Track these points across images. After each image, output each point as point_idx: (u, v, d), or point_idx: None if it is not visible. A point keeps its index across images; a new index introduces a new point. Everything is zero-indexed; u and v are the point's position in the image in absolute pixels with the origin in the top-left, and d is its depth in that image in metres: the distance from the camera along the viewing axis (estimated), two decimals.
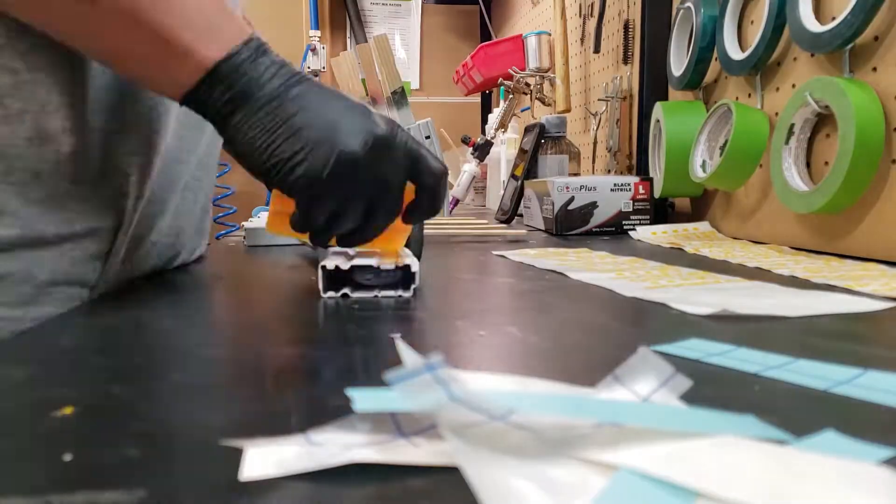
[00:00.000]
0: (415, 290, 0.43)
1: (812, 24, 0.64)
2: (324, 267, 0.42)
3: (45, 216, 0.41)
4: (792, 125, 0.66)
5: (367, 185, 0.40)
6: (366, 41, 1.99)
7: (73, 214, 0.43)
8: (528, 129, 1.16)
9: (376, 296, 0.43)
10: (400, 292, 0.43)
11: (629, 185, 0.89)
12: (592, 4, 1.26)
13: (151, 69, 0.38)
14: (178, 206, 0.54)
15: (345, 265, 0.42)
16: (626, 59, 1.11)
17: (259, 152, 0.38)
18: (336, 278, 0.43)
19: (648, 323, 0.37)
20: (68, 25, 0.37)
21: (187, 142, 0.53)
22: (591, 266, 0.57)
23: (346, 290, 0.43)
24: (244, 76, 0.38)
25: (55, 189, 0.41)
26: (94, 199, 0.44)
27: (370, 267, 0.43)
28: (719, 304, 0.38)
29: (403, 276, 0.43)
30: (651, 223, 0.89)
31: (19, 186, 0.40)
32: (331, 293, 0.42)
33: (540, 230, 0.94)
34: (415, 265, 0.43)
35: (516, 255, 0.66)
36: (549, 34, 1.28)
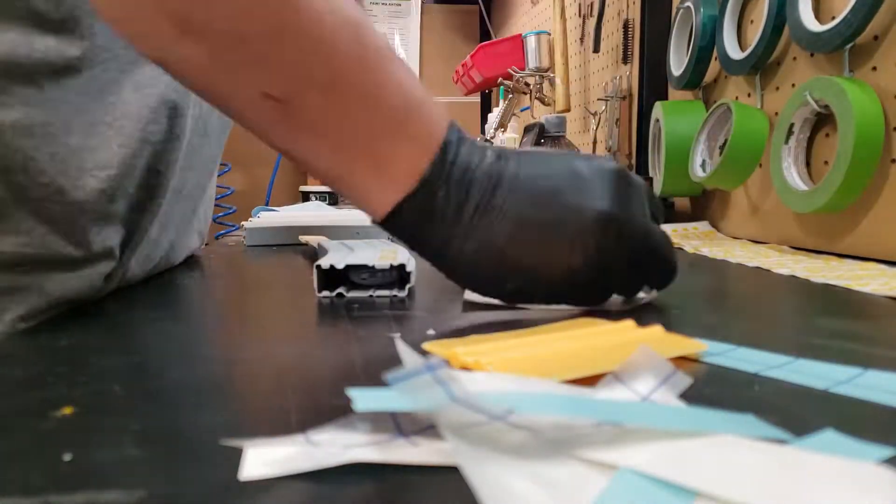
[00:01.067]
0: (410, 289, 0.43)
1: (812, 24, 0.64)
2: (318, 266, 0.42)
3: (62, 236, 0.39)
4: (792, 125, 0.66)
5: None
6: None
7: (89, 235, 0.40)
8: (527, 129, 1.16)
9: (371, 295, 0.43)
10: (395, 292, 0.43)
11: None
12: (592, 4, 1.26)
13: (352, 190, 0.34)
14: (183, 212, 0.54)
15: (339, 264, 0.42)
16: (626, 59, 1.11)
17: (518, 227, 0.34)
18: (331, 277, 0.43)
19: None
20: (259, 125, 0.32)
21: (195, 147, 0.52)
22: None
23: (341, 290, 0.43)
24: (438, 204, 0.33)
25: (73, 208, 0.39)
26: (111, 218, 0.41)
27: (365, 266, 0.43)
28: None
29: (399, 276, 0.43)
30: None
31: (36, 203, 0.38)
32: (326, 292, 0.42)
33: None
34: (410, 265, 0.43)
35: None
36: (549, 34, 1.28)
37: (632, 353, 0.24)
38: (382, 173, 0.33)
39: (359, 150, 0.32)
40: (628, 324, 0.31)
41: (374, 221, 0.35)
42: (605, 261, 0.34)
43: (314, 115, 0.31)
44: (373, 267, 0.43)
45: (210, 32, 0.28)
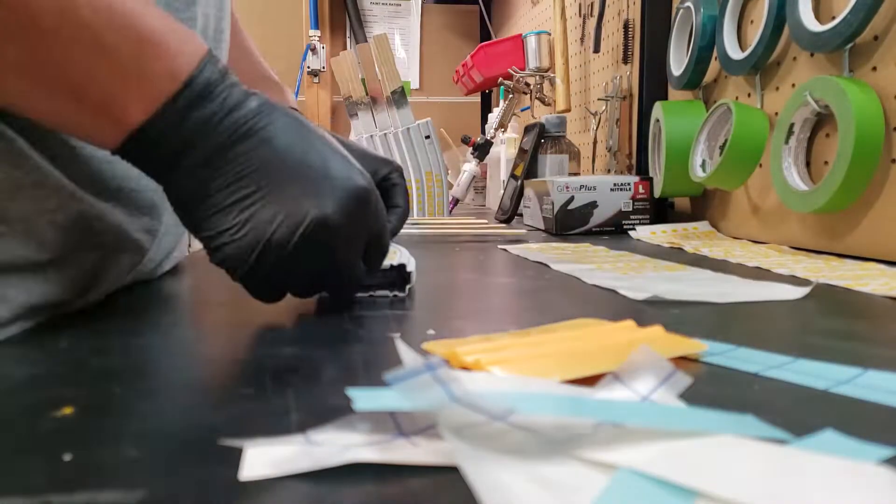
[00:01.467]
0: (410, 289, 0.43)
1: (812, 24, 0.64)
2: None
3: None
4: (792, 125, 0.66)
5: (306, 267, 0.34)
6: (366, 41, 1.99)
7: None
8: (527, 129, 1.16)
9: (371, 295, 0.43)
10: (395, 292, 0.43)
11: (629, 184, 0.89)
12: (592, 4, 1.26)
13: (71, 128, 0.32)
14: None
15: None
16: (626, 59, 1.11)
17: (198, 218, 0.33)
18: None
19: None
20: None
21: None
22: (581, 259, 0.60)
23: None
24: (174, 139, 0.31)
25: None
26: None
27: None
28: (659, 290, 0.42)
29: (399, 276, 0.43)
30: (651, 223, 0.89)
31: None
32: (324, 292, 0.42)
33: (539, 230, 0.94)
34: (410, 265, 0.43)
35: (516, 249, 0.66)
36: (549, 34, 1.28)
37: (632, 352, 0.24)
38: (102, 115, 0.31)
39: (74, 94, 0.30)
40: (628, 324, 0.31)
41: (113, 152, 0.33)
42: (295, 259, 0.33)
43: (17, 55, 0.28)
44: None
45: None
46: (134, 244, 0.43)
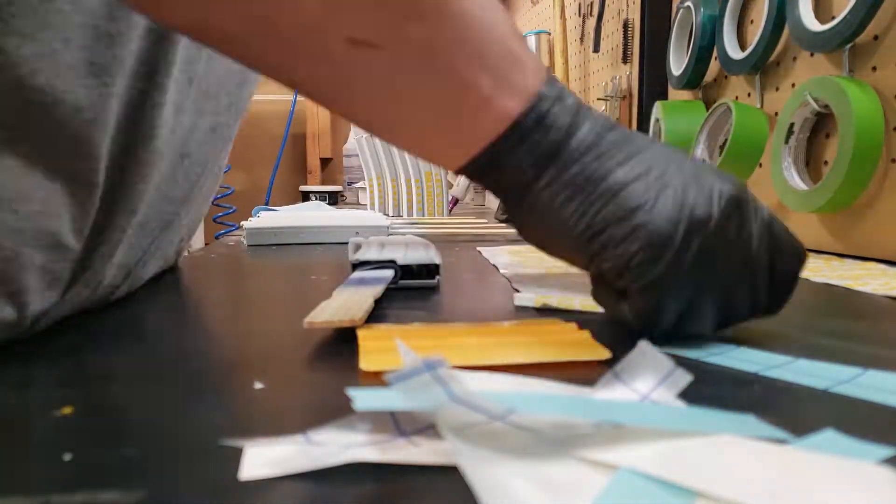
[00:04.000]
0: (438, 280, 0.46)
1: (812, 24, 0.64)
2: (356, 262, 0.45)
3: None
4: (791, 124, 0.66)
5: (730, 260, 0.28)
6: None
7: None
8: None
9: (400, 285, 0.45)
10: (427, 281, 0.46)
11: None
12: (592, 4, 1.26)
13: (436, 131, 0.30)
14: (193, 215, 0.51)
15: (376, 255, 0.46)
16: (626, 59, 1.11)
17: (575, 220, 0.29)
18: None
19: None
20: (328, 82, 0.28)
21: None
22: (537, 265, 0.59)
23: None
24: (552, 127, 0.29)
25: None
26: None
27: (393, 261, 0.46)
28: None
29: (428, 268, 0.46)
30: None
31: None
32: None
33: None
34: (438, 258, 0.46)
35: (490, 250, 0.66)
36: (549, 33, 1.28)
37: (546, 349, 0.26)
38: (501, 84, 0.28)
39: (463, 89, 0.28)
40: (569, 326, 0.33)
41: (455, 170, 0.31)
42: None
43: (410, 61, 0.27)
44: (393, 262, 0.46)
45: None
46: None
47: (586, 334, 0.31)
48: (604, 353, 0.28)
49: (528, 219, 0.32)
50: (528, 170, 0.29)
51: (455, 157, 0.30)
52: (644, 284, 0.28)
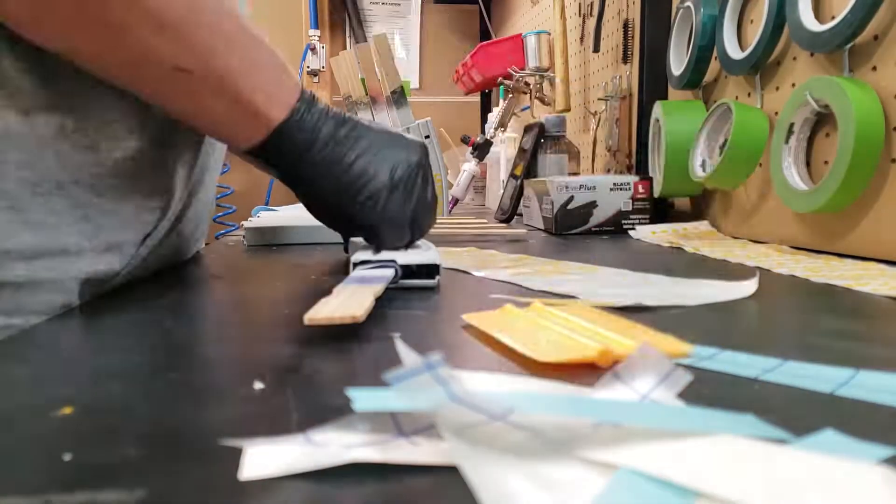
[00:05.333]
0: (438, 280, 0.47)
1: (812, 24, 0.64)
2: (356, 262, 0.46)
3: (71, 227, 0.41)
4: (791, 124, 0.66)
5: (419, 200, 0.48)
6: (365, 40, 1.99)
7: (97, 227, 0.43)
8: (527, 129, 1.16)
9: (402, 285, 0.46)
10: (426, 281, 0.47)
11: (629, 184, 0.89)
12: (592, 4, 1.26)
13: (225, 127, 0.44)
14: (197, 210, 0.55)
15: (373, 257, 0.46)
16: (626, 59, 1.11)
17: (329, 187, 0.45)
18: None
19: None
20: (159, 91, 0.40)
21: (210, 146, 0.54)
22: (486, 263, 0.59)
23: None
24: (303, 131, 0.43)
25: (80, 201, 0.41)
26: (123, 214, 0.44)
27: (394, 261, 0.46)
28: (622, 295, 0.41)
29: (427, 269, 0.47)
30: (651, 222, 0.89)
31: (46, 196, 0.40)
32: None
33: (539, 230, 0.94)
34: (438, 259, 0.47)
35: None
36: (549, 33, 1.28)
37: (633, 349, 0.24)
38: (270, 100, 0.42)
39: (244, 103, 0.41)
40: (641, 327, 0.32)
41: (247, 150, 0.44)
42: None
43: (213, 81, 0.40)
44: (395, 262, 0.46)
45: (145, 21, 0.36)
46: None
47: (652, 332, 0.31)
48: (686, 348, 0.29)
49: (298, 191, 0.48)
50: (292, 156, 0.44)
51: (241, 144, 0.44)
52: (375, 219, 0.46)
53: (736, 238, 0.80)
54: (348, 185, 0.45)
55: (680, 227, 0.84)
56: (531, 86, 1.25)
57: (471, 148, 1.26)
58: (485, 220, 0.98)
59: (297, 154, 0.44)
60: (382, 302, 0.42)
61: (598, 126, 1.23)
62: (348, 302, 0.34)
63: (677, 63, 0.90)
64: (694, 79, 0.86)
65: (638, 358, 0.24)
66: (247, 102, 0.41)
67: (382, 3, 2.38)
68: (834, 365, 0.27)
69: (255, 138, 0.43)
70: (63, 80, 0.39)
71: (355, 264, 0.46)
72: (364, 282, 0.41)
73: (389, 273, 0.44)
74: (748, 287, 0.44)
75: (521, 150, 1.15)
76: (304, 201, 0.49)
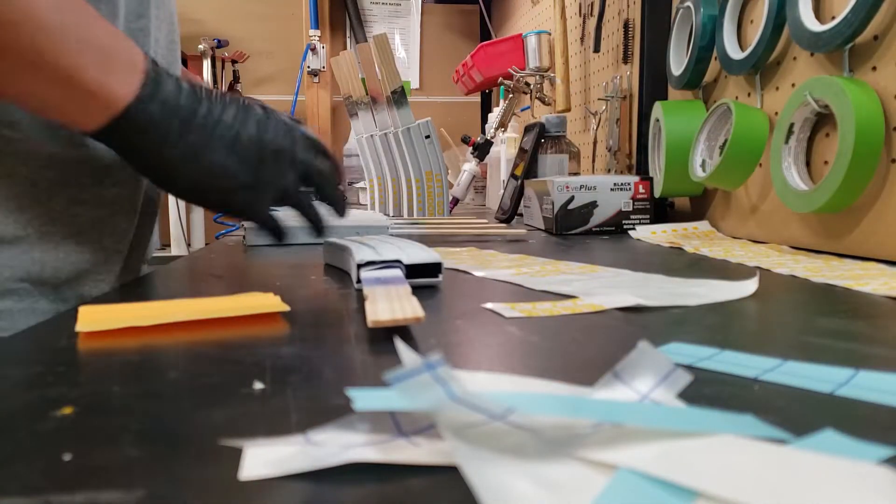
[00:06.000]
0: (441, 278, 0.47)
1: (812, 24, 0.64)
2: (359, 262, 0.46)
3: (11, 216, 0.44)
4: (791, 124, 0.66)
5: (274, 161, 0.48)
6: (365, 40, 1.99)
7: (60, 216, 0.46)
8: (527, 129, 1.16)
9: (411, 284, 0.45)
10: (430, 279, 0.47)
11: (629, 184, 0.89)
12: (592, 4, 1.26)
13: (55, 109, 0.41)
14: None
15: (376, 258, 0.46)
16: (626, 59, 1.11)
17: (182, 172, 0.44)
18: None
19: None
20: None
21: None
22: (486, 263, 0.59)
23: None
24: (151, 112, 0.42)
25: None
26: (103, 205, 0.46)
27: (399, 261, 0.46)
28: (622, 296, 0.41)
29: (430, 267, 0.47)
30: (651, 222, 0.89)
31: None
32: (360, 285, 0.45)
33: (540, 230, 0.94)
34: (437, 257, 0.47)
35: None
36: (549, 33, 1.28)
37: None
38: (105, 78, 0.40)
39: (70, 80, 0.39)
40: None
41: (88, 132, 0.42)
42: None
43: (32, 56, 0.38)
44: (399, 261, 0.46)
45: None
46: None
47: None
48: (283, 307, 0.37)
49: (153, 175, 0.46)
50: (149, 137, 0.42)
51: (84, 127, 0.42)
52: (236, 182, 0.46)
53: (736, 238, 0.80)
54: (210, 154, 0.44)
55: (680, 228, 0.84)
56: (531, 86, 1.25)
57: (471, 148, 1.26)
58: (485, 220, 0.98)
59: (158, 133, 0.42)
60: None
61: (598, 126, 1.23)
62: (398, 304, 0.35)
63: (677, 63, 0.90)
64: (694, 79, 0.86)
65: (638, 358, 0.24)
66: (74, 81, 0.39)
67: (382, 3, 2.38)
68: (834, 365, 0.27)
69: (98, 119, 0.41)
70: None
71: (359, 265, 0.46)
72: (383, 282, 0.41)
73: (400, 272, 0.44)
74: (748, 287, 0.44)
75: (522, 150, 1.15)
76: (170, 189, 0.48)
